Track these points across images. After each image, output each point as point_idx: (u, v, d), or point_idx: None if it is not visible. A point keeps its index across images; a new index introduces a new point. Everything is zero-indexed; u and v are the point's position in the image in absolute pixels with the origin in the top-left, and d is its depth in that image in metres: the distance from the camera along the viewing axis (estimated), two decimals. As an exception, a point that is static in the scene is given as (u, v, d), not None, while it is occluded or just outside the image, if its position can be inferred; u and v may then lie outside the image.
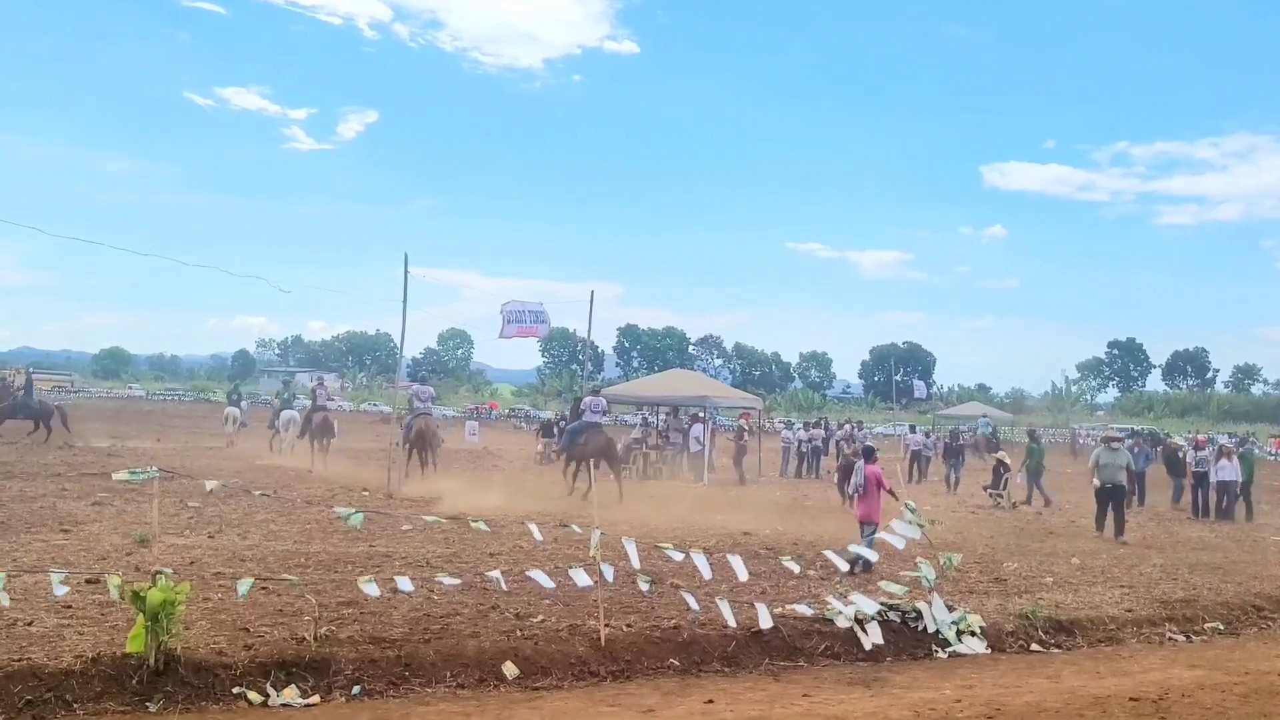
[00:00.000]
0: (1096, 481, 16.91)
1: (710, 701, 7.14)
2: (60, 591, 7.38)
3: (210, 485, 8.28)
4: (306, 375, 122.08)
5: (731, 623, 8.30)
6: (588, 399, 20.93)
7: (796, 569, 9.09)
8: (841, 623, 8.82)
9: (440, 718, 6.55)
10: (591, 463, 18.02)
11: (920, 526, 9.66)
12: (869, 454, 13.20)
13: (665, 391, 29.69)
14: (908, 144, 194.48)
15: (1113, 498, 16.74)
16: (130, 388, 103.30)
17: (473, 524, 8.69)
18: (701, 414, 27.30)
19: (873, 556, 11.15)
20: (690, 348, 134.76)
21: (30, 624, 7.62)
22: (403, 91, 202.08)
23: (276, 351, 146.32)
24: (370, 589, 7.97)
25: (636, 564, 8.69)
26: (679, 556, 8.83)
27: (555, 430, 30.27)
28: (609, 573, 8.31)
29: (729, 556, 8.70)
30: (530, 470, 28.56)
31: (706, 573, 8.54)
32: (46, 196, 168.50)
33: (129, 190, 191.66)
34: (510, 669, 7.47)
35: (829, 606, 9.03)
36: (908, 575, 9.72)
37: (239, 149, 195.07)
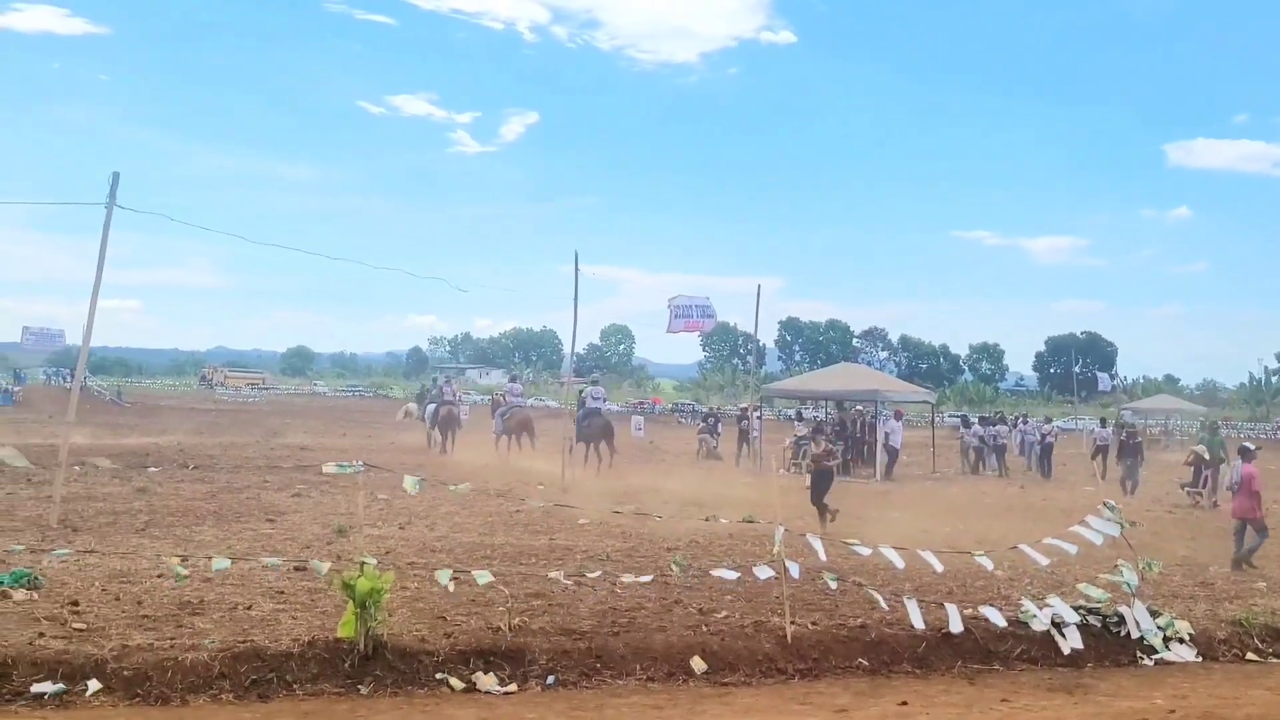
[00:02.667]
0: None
1: (904, 703, 6.99)
2: (271, 561, 7.90)
3: (409, 482, 8.60)
4: (476, 371, 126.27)
5: (919, 624, 8.09)
6: (588, 389, 24.38)
7: (990, 565, 8.76)
8: (1037, 626, 8.48)
9: (633, 710, 6.63)
10: (594, 444, 22.55)
11: (1120, 526, 9.18)
12: (1246, 454, 13.67)
13: (833, 386, 29.30)
14: (1081, 124, 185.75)
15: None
16: (314, 384, 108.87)
17: (655, 519, 8.75)
18: (894, 410, 26.91)
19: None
20: (854, 340, 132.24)
21: (249, 608, 8.12)
22: (562, 91, 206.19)
23: (447, 349, 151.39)
24: (561, 580, 8.14)
25: (824, 558, 8.60)
26: (865, 551, 8.67)
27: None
28: (795, 569, 8.22)
29: (920, 552, 8.48)
30: (697, 466, 28.66)
31: (899, 562, 8.34)
32: (235, 203, 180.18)
33: (309, 196, 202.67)
34: (698, 664, 7.50)
35: (1023, 609, 8.69)
36: (1105, 579, 9.27)
37: (409, 154, 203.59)
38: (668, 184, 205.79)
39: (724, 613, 8.72)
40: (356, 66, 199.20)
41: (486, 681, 6.98)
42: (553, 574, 8.06)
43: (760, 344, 37.55)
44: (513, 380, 30.21)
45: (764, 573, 8.25)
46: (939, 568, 8.37)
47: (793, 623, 8.14)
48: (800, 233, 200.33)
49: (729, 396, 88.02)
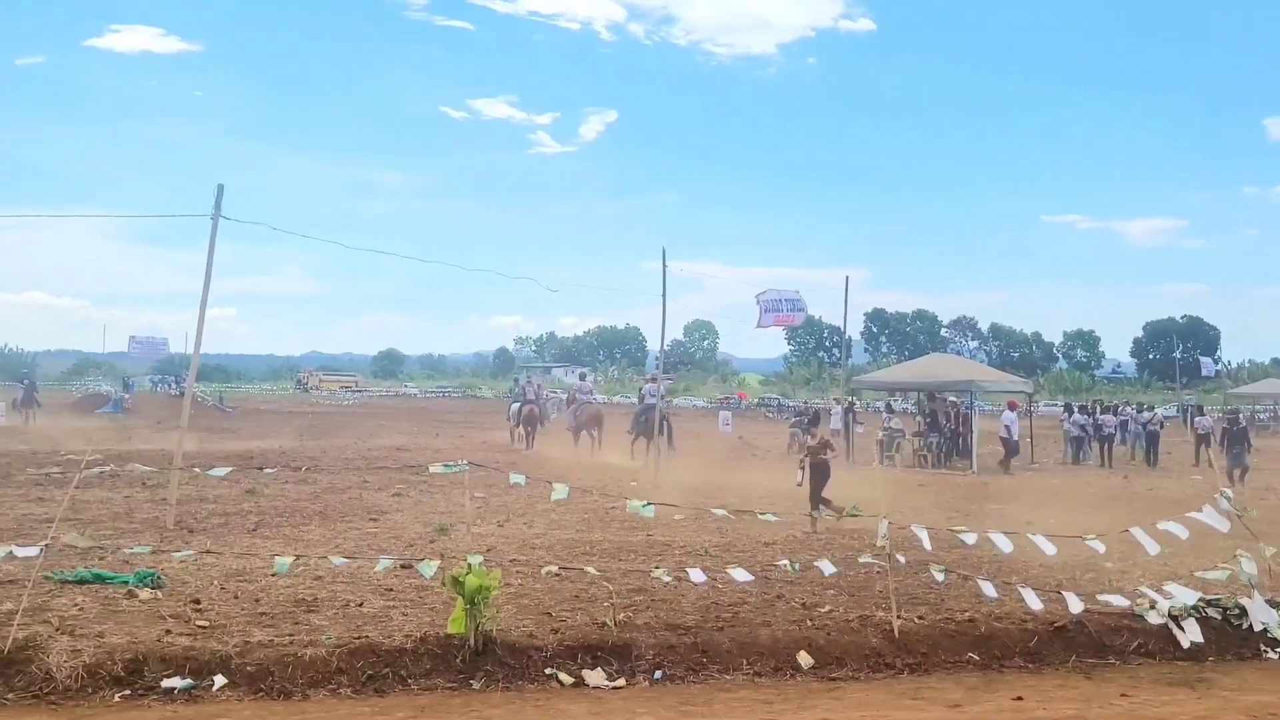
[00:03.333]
0: None
1: (1019, 698, 6.86)
2: (382, 567, 8.11)
3: (515, 479, 8.74)
4: (562, 370, 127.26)
5: (1036, 605, 7.92)
6: (646, 386, 25.88)
7: (1101, 549, 8.53)
8: (1154, 619, 8.23)
9: (743, 705, 6.63)
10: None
11: (1239, 515, 8.87)
12: None
13: (924, 376, 28.84)
14: (1175, 101, 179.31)
15: None
16: (405, 386, 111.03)
17: (760, 516, 8.73)
18: (1009, 400, 26.50)
19: None
20: (942, 330, 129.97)
21: (361, 605, 8.33)
22: (640, 89, 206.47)
23: (533, 348, 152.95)
24: (664, 578, 8.16)
25: (928, 547, 8.48)
26: (971, 539, 8.52)
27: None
28: (899, 562, 8.12)
29: (1031, 536, 8.30)
30: (786, 460, 28.49)
31: (1006, 546, 8.17)
32: (325, 211, 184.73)
33: (394, 201, 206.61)
34: (805, 658, 7.46)
35: (1139, 599, 8.45)
36: (1222, 569, 8.96)
37: (490, 156, 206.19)
38: (749, 178, 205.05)
39: (827, 607, 8.65)
40: (438, 72, 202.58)
41: (595, 677, 7.05)
42: (655, 571, 8.08)
43: (848, 337, 37.08)
44: (582, 378, 31.59)
45: (867, 564, 8.18)
46: (1050, 551, 8.17)
47: (899, 616, 8.05)
48: (885, 223, 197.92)
49: (815, 390, 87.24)
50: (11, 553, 7.46)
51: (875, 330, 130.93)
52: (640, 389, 26.39)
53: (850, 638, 7.85)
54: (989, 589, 8.13)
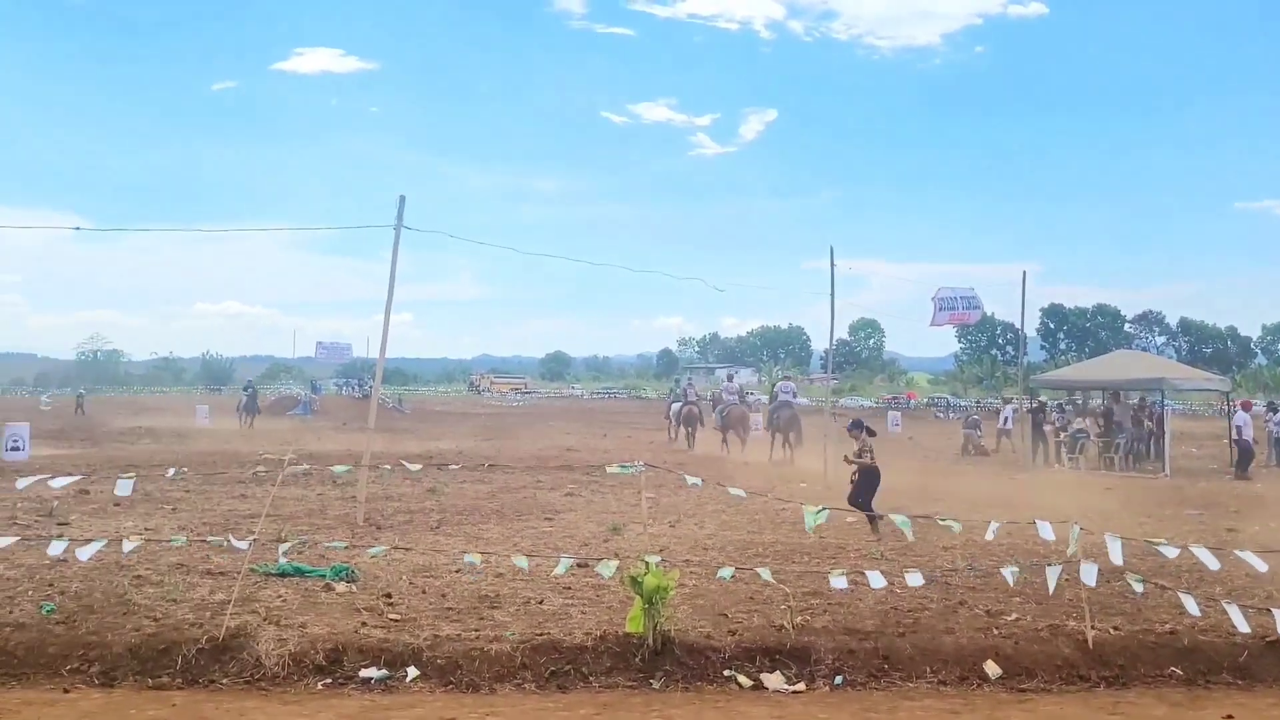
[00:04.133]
0: None
1: (1229, 717, 6.42)
2: (563, 568, 8.29)
3: (691, 480, 8.79)
4: (724, 370, 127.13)
5: (1244, 628, 7.38)
6: (779, 384, 28.54)
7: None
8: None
9: (928, 714, 6.45)
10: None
11: None
12: None
13: (1110, 375, 27.42)
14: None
15: None
16: (572, 387, 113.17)
17: (940, 522, 8.47)
18: (1240, 401, 25.12)
19: None
20: (1126, 326, 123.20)
21: (541, 602, 8.53)
22: (801, 86, 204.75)
23: (695, 349, 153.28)
24: (839, 583, 8.01)
25: (1119, 560, 8.01)
26: (1172, 553, 8.03)
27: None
28: (1092, 571, 7.73)
29: (1237, 552, 7.76)
30: (962, 462, 27.61)
31: (1213, 563, 7.65)
32: (493, 217, 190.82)
33: (557, 206, 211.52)
34: (992, 668, 7.20)
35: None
36: None
37: (652, 159, 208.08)
38: (914, 172, 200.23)
39: (1014, 615, 8.34)
40: (598, 79, 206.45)
41: (774, 680, 6.99)
42: (832, 576, 7.94)
43: (1024, 333, 35.68)
44: (729, 379, 32.95)
45: (1056, 573, 7.81)
46: (1262, 567, 7.61)
47: (1093, 627, 7.67)
48: (1061, 214, 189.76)
49: (988, 389, 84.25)
50: (228, 541, 7.98)
51: (1052, 327, 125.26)
52: (773, 386, 27.59)
53: (1040, 647, 7.53)
54: (1191, 605, 7.62)
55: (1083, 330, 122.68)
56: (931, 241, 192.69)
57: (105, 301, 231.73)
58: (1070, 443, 24.99)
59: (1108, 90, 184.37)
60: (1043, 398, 30.27)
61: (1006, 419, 31.10)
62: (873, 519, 12.57)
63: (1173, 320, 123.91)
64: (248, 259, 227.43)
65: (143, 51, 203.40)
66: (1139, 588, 7.87)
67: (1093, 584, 7.77)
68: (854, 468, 13.31)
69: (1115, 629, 7.94)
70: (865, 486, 13.15)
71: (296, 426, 40.45)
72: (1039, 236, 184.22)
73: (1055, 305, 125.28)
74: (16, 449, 20.90)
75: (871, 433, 13.56)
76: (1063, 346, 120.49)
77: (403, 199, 13.41)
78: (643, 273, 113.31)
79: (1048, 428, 26.66)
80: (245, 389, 44.40)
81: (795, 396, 27.19)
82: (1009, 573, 7.96)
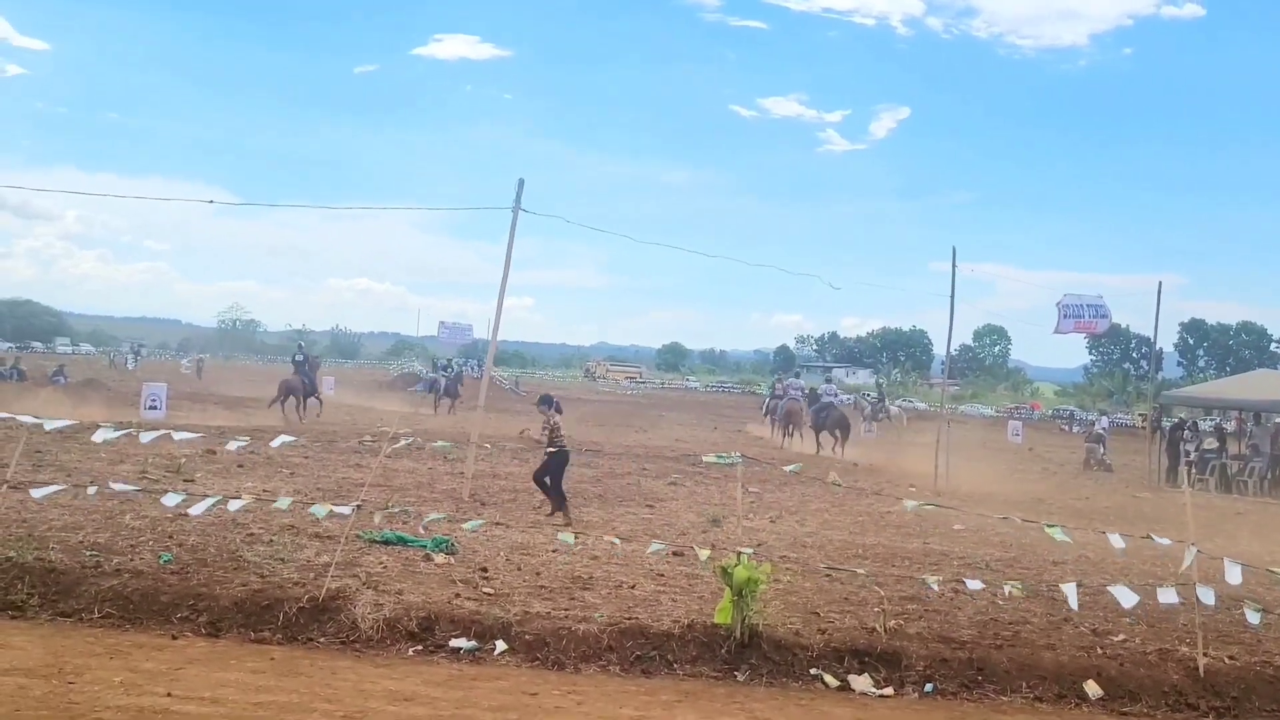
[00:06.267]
0: None
1: (1348, 760, 6.04)
2: (653, 550, 8.31)
3: (790, 468, 8.70)
4: (843, 370, 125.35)
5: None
6: (823, 385, 29.13)
7: None
8: None
9: (1019, 729, 6.25)
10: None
11: None
12: None
13: (1248, 394, 26.04)
14: None
15: None
16: (687, 379, 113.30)
17: (1047, 529, 8.17)
18: None
19: None
20: (1273, 345, 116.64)
21: (633, 587, 8.57)
22: (936, 85, 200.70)
23: (814, 347, 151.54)
24: (932, 583, 7.82)
25: (1237, 583, 7.60)
26: (1296, 583, 7.59)
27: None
28: (1209, 595, 7.36)
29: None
30: (1079, 476, 26.63)
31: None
32: (620, 208, 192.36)
33: (684, 198, 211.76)
34: (1093, 688, 6.92)
35: None
36: None
37: (779, 154, 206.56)
38: (1051, 177, 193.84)
39: (1121, 636, 8.00)
40: (729, 71, 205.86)
41: (861, 682, 6.87)
42: (929, 579, 7.76)
43: (1158, 348, 34.14)
44: (827, 380, 32.71)
45: (1169, 597, 7.45)
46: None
47: (1206, 654, 7.30)
48: (1207, 226, 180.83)
49: (1118, 403, 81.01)
50: (332, 511, 8.24)
51: (1191, 343, 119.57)
52: (819, 388, 28.81)
53: (1146, 671, 7.21)
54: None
55: (1225, 348, 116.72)
56: (1067, 249, 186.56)
57: (246, 273, 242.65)
58: (1200, 463, 23.82)
59: (1262, 98, 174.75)
60: (1183, 415, 28.93)
61: (1101, 432, 30.82)
62: (557, 500, 12.26)
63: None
64: (381, 238, 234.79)
65: (291, 34, 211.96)
66: (1255, 618, 7.45)
67: (1210, 605, 7.43)
68: (541, 442, 12.47)
69: (1230, 659, 7.54)
70: (554, 467, 12.39)
71: (417, 402, 41.54)
72: (1183, 249, 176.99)
73: (1196, 320, 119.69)
74: (154, 408, 22.05)
75: (559, 410, 12.79)
76: (1201, 364, 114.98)
77: (521, 181, 13.62)
78: (757, 266, 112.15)
79: (1188, 447, 25.41)
80: (444, 368, 38.84)
81: (838, 397, 28.57)
82: (1119, 591, 7.64)
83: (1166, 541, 7.95)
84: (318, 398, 27.85)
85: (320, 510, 8.20)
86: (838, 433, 26.20)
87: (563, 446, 12.46)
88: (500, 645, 6.99)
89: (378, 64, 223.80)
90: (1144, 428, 36.96)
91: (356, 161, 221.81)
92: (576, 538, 9.00)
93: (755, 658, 7.05)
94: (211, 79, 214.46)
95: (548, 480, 12.48)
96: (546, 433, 12.43)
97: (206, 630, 6.99)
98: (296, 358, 28.08)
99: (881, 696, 6.73)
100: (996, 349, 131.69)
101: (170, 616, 7.12)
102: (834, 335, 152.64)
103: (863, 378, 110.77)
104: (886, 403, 42.78)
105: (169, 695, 5.69)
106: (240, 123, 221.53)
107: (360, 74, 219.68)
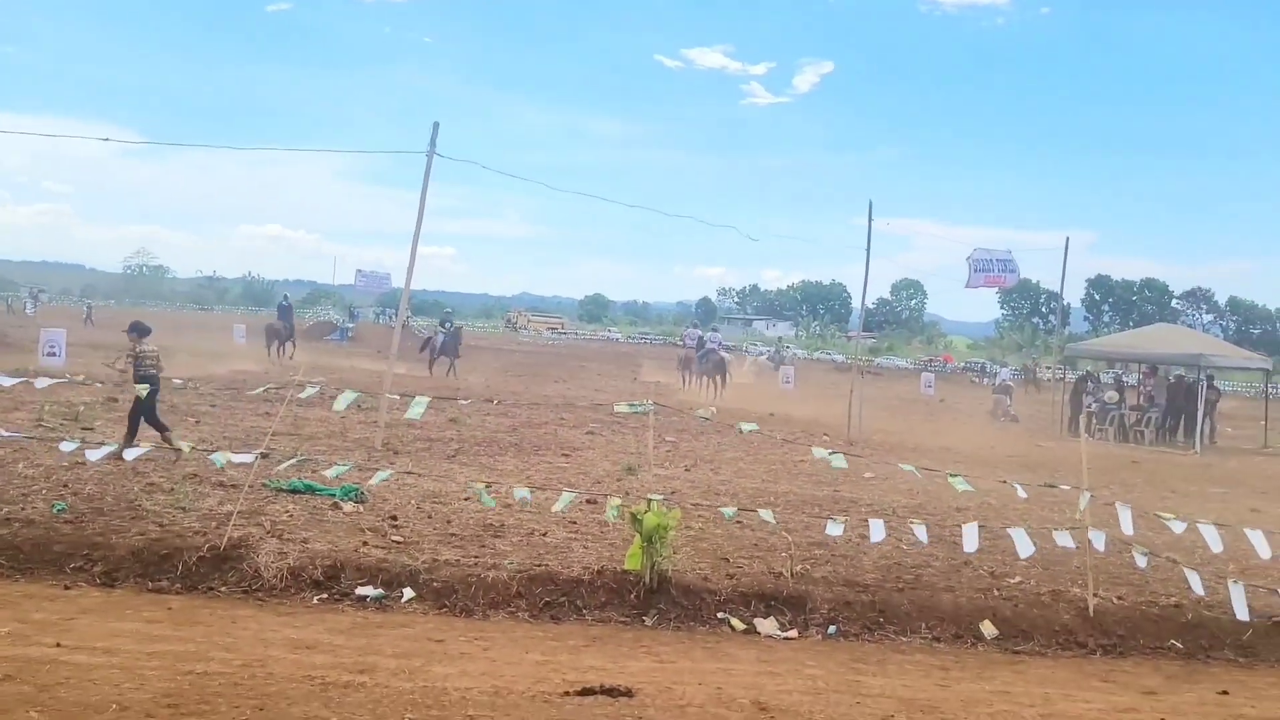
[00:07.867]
0: None
1: (1224, 693, 6.33)
2: (562, 504, 8.30)
3: (701, 413, 8.76)
4: (763, 323, 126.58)
5: (1244, 615, 7.24)
6: (708, 334, 31.22)
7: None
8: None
9: (918, 668, 6.42)
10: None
11: None
12: None
13: (1147, 347, 26.94)
14: None
15: None
16: (609, 330, 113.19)
17: (950, 478, 8.38)
18: None
19: None
20: (1174, 302, 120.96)
21: (545, 534, 8.58)
22: (859, 40, 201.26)
23: (735, 300, 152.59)
24: (835, 530, 7.94)
25: (1129, 531, 7.89)
26: (1180, 527, 7.88)
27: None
28: (1100, 540, 7.63)
29: (1246, 531, 7.61)
30: (987, 426, 27.36)
31: (1216, 545, 7.52)
32: (543, 157, 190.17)
33: (609, 149, 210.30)
34: (989, 628, 7.15)
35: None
36: None
37: (703, 107, 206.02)
38: (969, 134, 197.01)
39: (1017, 578, 8.26)
40: (654, 21, 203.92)
41: (767, 625, 6.99)
42: (830, 525, 7.89)
43: (1065, 302, 35.09)
44: (714, 330, 35.66)
45: (1064, 540, 7.71)
46: (1265, 554, 7.46)
47: (1096, 595, 7.59)
48: (1116, 184, 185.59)
49: (1027, 356, 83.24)
50: (230, 460, 8.05)
51: (1098, 298, 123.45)
52: (704, 337, 31.02)
53: (1039, 612, 7.48)
54: (1195, 581, 7.48)
55: (1128, 303, 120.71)
56: (983, 205, 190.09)
57: (153, 217, 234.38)
58: (1100, 414, 24.64)
59: (1172, 61, 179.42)
60: (1089, 368, 29.84)
61: (1008, 384, 32.00)
62: (163, 434, 10.81)
63: (1222, 298, 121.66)
64: (295, 184, 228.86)
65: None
66: (1142, 561, 7.74)
67: (1101, 549, 7.70)
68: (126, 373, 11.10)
69: (1119, 599, 7.85)
70: (146, 398, 10.38)
71: (331, 351, 40.79)
72: (1092, 206, 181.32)
73: (1102, 276, 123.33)
74: (53, 354, 21.27)
75: (143, 334, 11.09)
76: (1106, 319, 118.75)
77: (436, 125, 13.36)
78: (676, 217, 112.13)
79: (1087, 398, 26.23)
80: (443, 323, 32.76)
81: (721, 346, 30.95)
82: (1017, 534, 7.86)
83: (1065, 487, 8.21)
84: (293, 343, 32.47)
85: (220, 459, 8.00)
86: (718, 378, 28.70)
87: (150, 374, 10.79)
88: (408, 593, 6.95)
89: (290, 2, 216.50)
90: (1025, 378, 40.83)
91: (271, 105, 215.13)
92: (489, 487, 8.95)
93: (664, 602, 7.12)
94: (117, 13, 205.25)
95: (154, 418, 10.87)
96: (130, 360, 11.01)
97: (101, 580, 6.81)
98: (281, 304, 34.86)
99: (786, 639, 6.86)
100: (913, 303, 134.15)
101: (63, 566, 6.92)
102: (755, 288, 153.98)
103: (783, 330, 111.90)
104: (780, 354, 46.25)
105: (58, 645, 5.53)
106: (147, 63, 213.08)
107: (273, 11, 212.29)
